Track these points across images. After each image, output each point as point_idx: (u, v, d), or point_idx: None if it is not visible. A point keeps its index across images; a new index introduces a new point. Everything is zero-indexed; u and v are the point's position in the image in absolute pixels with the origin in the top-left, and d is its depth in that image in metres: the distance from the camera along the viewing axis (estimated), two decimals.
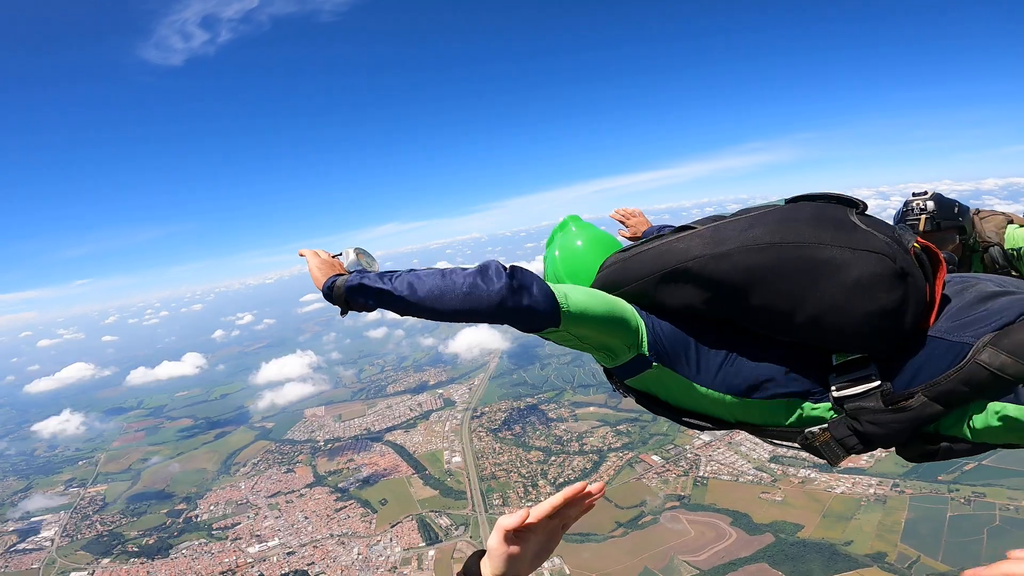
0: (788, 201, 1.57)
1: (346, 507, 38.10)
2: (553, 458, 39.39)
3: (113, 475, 50.18)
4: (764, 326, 1.48)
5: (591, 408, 46.09)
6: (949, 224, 3.03)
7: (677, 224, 1.81)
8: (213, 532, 37.62)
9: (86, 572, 34.52)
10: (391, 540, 33.61)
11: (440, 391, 56.86)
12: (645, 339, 1.57)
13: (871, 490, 29.46)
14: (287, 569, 32.27)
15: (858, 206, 1.50)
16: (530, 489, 36.02)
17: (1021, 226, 3.16)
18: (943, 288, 1.43)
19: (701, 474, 34.64)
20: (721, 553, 27.34)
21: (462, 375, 61.56)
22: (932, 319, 1.38)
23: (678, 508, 31.75)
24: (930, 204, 3.03)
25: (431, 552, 31.92)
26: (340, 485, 41.43)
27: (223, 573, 32.71)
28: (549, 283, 1.52)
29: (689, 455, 36.55)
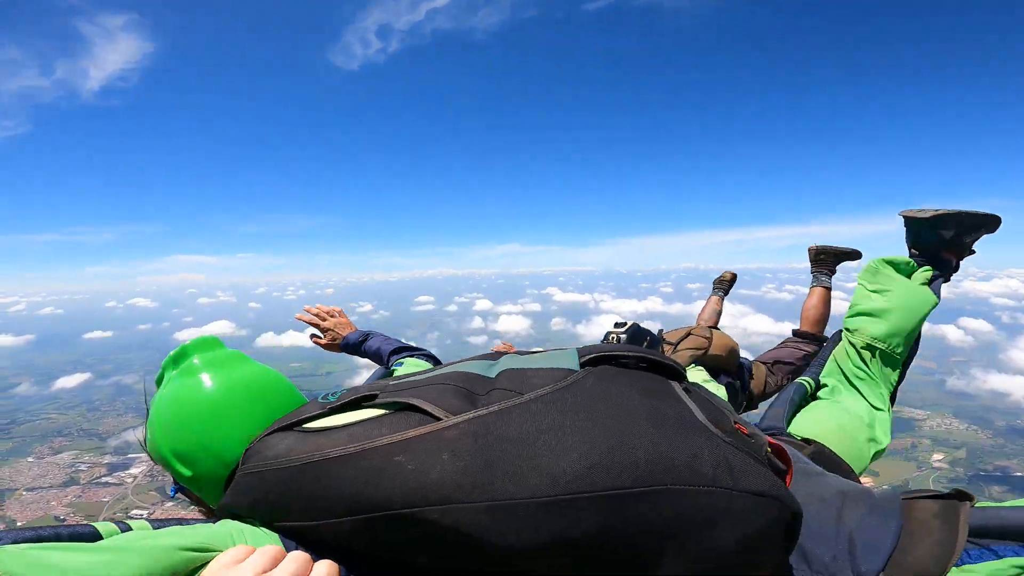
0: (582, 361, 0.88)
1: None
2: None
3: None
4: None
5: None
6: None
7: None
8: None
9: (147, 511, 34.08)
10: None
11: None
12: None
13: None
14: None
15: (682, 376, 0.91)
16: None
17: (695, 360, 3.14)
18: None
19: None
20: None
21: None
22: None
23: None
24: (623, 337, 2.92)
25: None
26: None
27: None
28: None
29: None
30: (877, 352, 1.91)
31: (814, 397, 1.97)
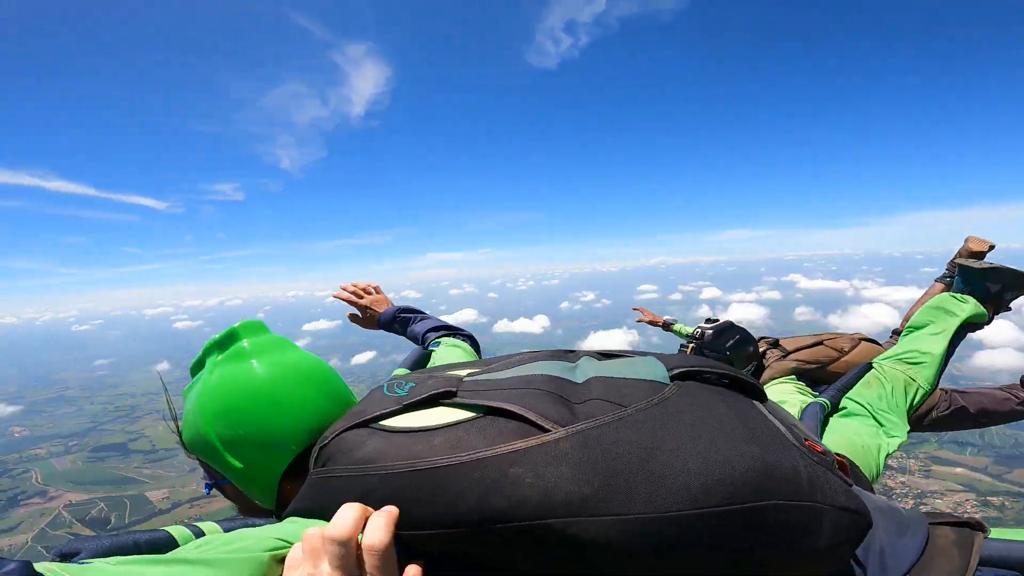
0: (672, 376, 0.87)
1: None
2: None
3: None
4: None
5: (957, 469, 36.96)
6: (713, 355, 2.98)
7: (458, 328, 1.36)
8: None
9: None
10: None
11: None
12: None
13: None
14: None
15: (763, 395, 0.94)
16: None
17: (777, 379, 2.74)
18: None
19: None
20: None
21: None
22: None
23: None
24: (708, 333, 3.05)
25: None
26: None
27: None
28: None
29: None
30: (916, 390, 1.86)
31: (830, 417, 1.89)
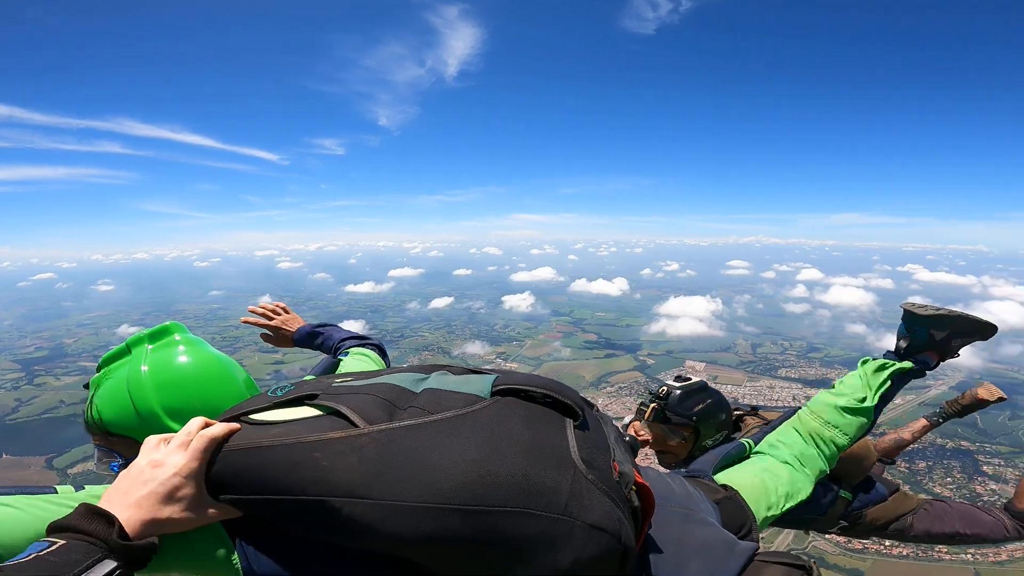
0: (493, 390, 1.02)
1: None
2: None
3: (526, 358, 59.44)
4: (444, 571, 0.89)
5: None
6: (680, 420, 2.71)
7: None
8: None
9: None
10: None
11: None
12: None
13: None
14: None
15: (576, 415, 1.04)
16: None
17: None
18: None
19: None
20: None
21: None
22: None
23: None
24: (675, 394, 2.72)
25: None
26: None
27: None
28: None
29: None
30: (826, 440, 1.91)
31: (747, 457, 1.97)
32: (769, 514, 1.66)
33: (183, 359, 1.16)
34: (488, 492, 0.83)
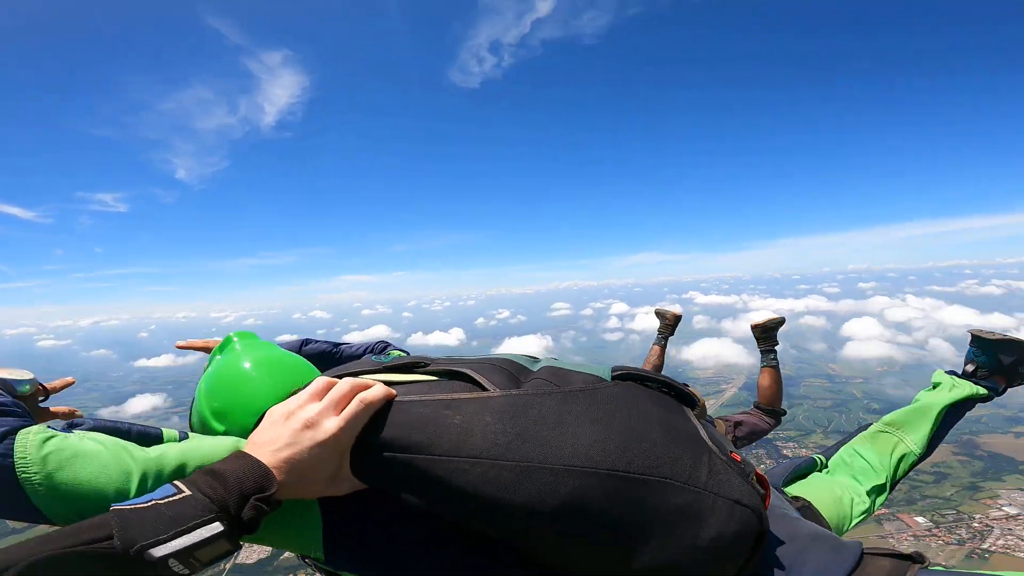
0: (614, 375, 1.04)
1: None
2: None
3: None
4: (557, 558, 0.86)
5: None
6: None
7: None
8: None
9: None
10: None
11: None
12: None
13: None
14: None
15: (694, 404, 1.08)
16: None
17: None
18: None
19: (985, 546, 26.10)
20: None
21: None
22: None
23: None
24: None
25: None
26: None
27: None
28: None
29: (975, 524, 28.52)
30: (904, 456, 1.92)
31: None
32: (842, 523, 1.67)
33: (223, 365, 1.21)
34: (634, 459, 0.82)
